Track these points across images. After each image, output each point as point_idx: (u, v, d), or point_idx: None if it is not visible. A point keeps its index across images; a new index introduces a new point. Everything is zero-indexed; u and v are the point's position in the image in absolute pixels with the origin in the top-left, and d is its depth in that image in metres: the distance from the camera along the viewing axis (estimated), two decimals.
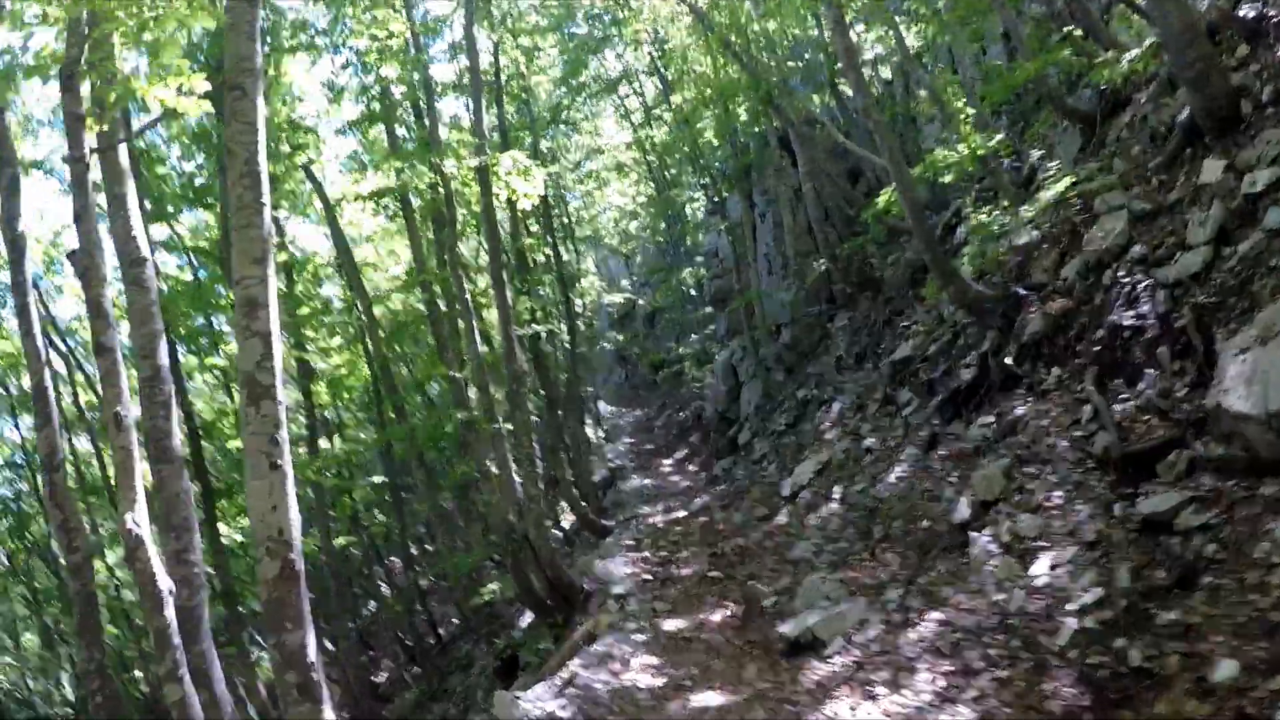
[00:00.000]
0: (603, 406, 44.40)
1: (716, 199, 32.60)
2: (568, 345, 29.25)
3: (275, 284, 7.58)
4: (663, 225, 43.07)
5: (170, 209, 20.31)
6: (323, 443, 24.72)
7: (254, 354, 7.37)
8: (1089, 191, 12.58)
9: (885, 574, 11.52)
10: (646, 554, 18.10)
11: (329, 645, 22.88)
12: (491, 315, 21.88)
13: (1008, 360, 12.46)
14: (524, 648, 17.44)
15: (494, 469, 17.53)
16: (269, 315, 7.40)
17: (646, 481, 30.30)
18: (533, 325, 23.66)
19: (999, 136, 15.16)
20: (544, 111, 32.34)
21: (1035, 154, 17.40)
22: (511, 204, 26.04)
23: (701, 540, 18.69)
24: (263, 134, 7.61)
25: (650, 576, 16.60)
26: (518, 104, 30.72)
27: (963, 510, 10.90)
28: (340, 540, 26.74)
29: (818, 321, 27.60)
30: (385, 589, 32.52)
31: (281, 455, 7.28)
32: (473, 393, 18.88)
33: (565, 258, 35.31)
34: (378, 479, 28.08)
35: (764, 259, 30.64)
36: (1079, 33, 14.67)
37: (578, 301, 39.80)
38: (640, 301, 48.50)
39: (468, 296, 17.87)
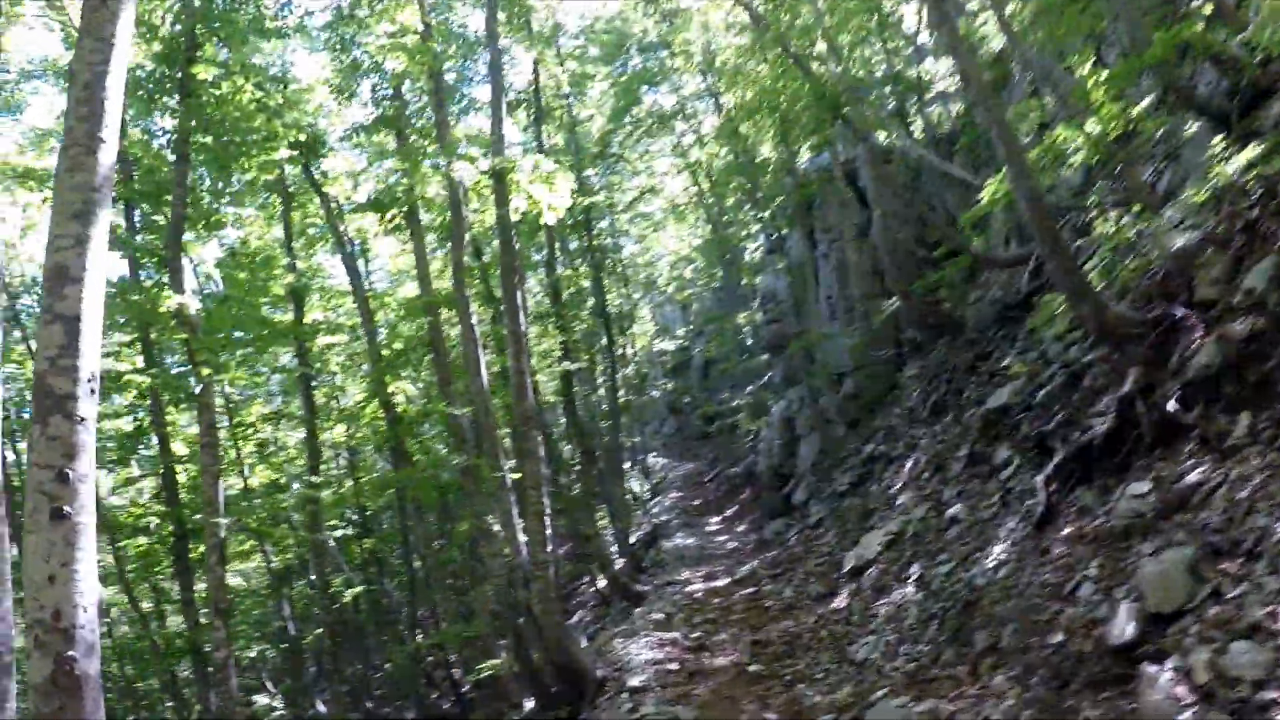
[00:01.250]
0: (651, 459, 40.65)
1: (775, 235, 28.96)
2: (609, 390, 25.59)
3: (103, 251, 5.31)
4: (718, 271, 39.43)
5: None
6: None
7: (51, 345, 4.98)
8: (1274, 174, 8.76)
9: (997, 711, 7.62)
10: (678, 634, 14.33)
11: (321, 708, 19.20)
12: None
13: (1170, 405, 8.57)
14: None
15: (496, 526, 13.92)
16: (84, 294, 5.14)
17: (690, 541, 26.48)
18: (564, 363, 20.09)
19: (1145, 102, 11.27)
20: (592, 145, 29.02)
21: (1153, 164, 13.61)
22: (548, 229, 22.79)
23: (744, 619, 14.91)
24: (122, 57, 5.59)
25: (677, 665, 12.81)
26: (564, 133, 27.48)
27: (1123, 624, 7.02)
28: (351, 590, 23.19)
29: (885, 369, 23.76)
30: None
31: (74, 498, 4.84)
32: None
33: (612, 299, 31.89)
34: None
35: (825, 302, 26.86)
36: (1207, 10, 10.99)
37: (628, 348, 36.33)
38: (695, 351, 44.82)
39: (473, 321, 14.35)
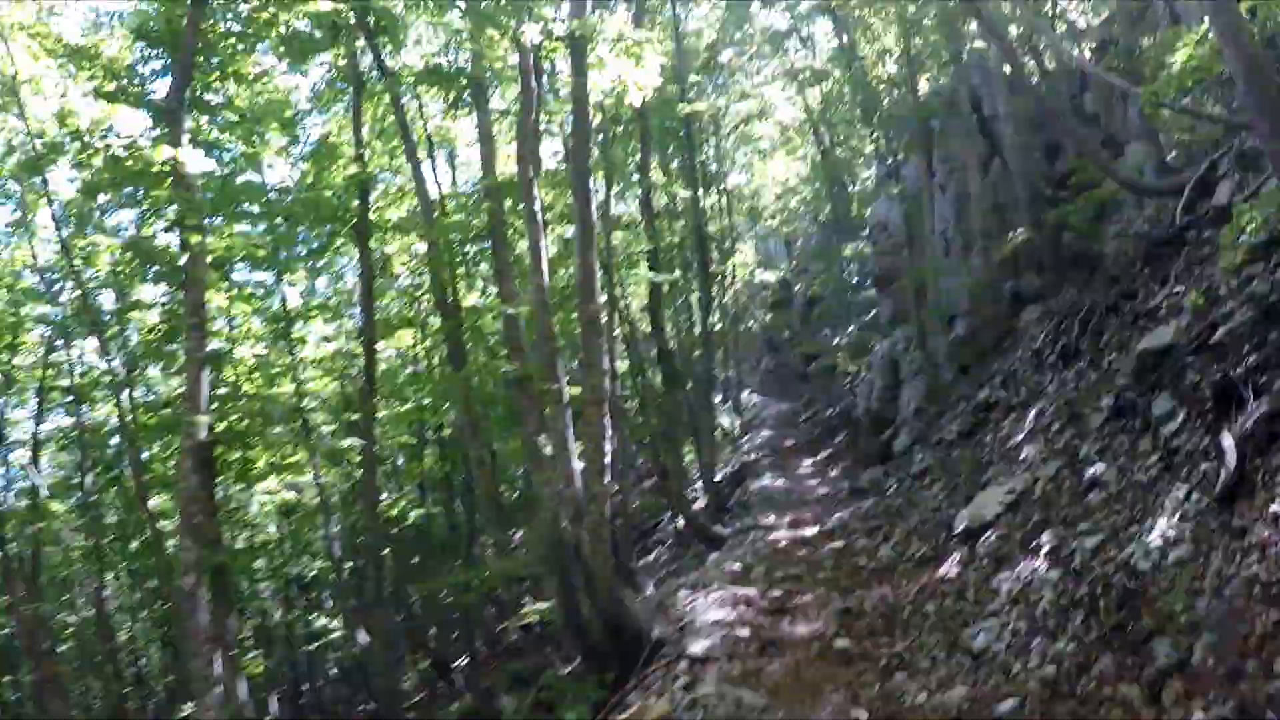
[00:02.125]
0: (745, 395, 38.19)
1: (890, 161, 26.01)
2: (703, 315, 23.12)
3: None
4: (826, 205, 36.44)
5: None
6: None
7: None
8: None
9: None
10: (753, 591, 12.00)
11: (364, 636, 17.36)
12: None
13: None
14: (561, 704, 11.48)
15: (548, 449, 11.70)
16: None
17: (779, 483, 24.07)
18: (649, 272, 17.66)
19: None
20: (700, 54, 26.27)
21: None
22: (642, 130, 20.27)
23: (832, 579, 12.52)
24: None
25: (749, 632, 10.49)
26: (668, 39, 24.81)
27: None
28: (414, 512, 21.33)
29: (1002, 312, 20.90)
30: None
31: None
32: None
33: (712, 221, 29.27)
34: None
35: (940, 237, 23.93)
36: None
37: (728, 276, 33.77)
38: (797, 288, 42.01)
39: (537, 205, 12.02)
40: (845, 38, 25.57)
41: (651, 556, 26.52)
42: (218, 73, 13.91)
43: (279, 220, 16.97)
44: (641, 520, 29.35)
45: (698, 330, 24.67)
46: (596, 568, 10.81)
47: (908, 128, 24.26)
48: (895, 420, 23.14)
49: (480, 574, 16.67)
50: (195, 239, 11.29)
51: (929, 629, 9.70)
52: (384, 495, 28.56)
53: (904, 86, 22.92)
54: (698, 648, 9.95)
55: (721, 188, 34.25)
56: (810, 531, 16.53)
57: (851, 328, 33.34)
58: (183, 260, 11.82)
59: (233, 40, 13.75)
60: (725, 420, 32.39)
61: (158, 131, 12.32)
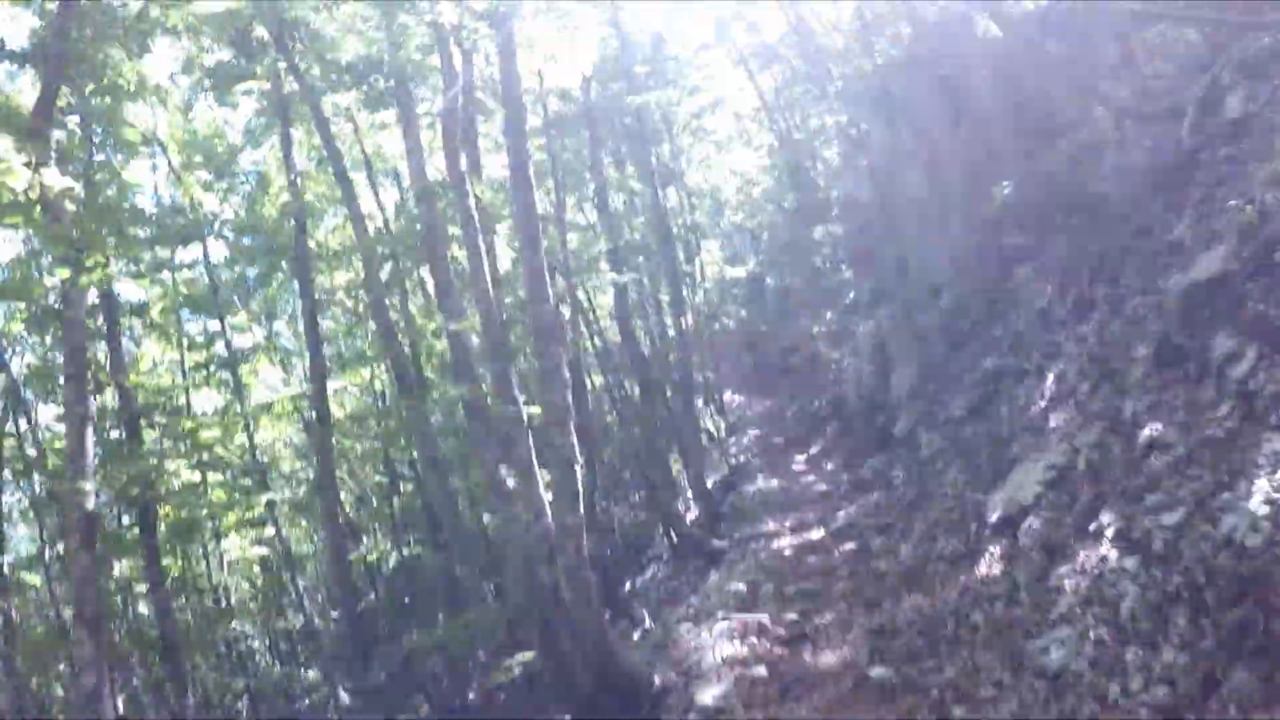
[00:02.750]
0: (727, 395, 36.36)
1: (855, 132, 24.31)
2: (675, 315, 21.26)
3: None
4: (790, 193, 34.63)
5: None
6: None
7: None
8: None
9: None
10: (764, 617, 10.12)
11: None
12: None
13: None
14: None
15: (510, 480, 9.84)
16: None
17: (774, 483, 22.24)
18: (607, 272, 15.84)
19: None
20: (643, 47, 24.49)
21: None
22: (592, 130, 18.44)
23: (852, 589, 10.69)
24: None
25: (765, 670, 8.62)
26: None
27: None
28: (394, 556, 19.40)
29: (993, 275, 19.19)
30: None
31: None
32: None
33: (671, 209, 27.45)
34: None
35: (915, 206, 22.20)
36: None
37: (696, 275, 31.96)
38: (769, 280, 40.19)
39: (472, 201, 10.19)
40: (793, 13, 23.87)
41: (648, 574, 24.61)
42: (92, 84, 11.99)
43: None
44: (635, 537, 27.47)
45: (671, 333, 22.81)
46: (579, 614, 8.94)
47: (867, 95, 22.53)
48: (889, 404, 21.35)
49: (457, 628, 14.65)
50: (64, 273, 9.37)
51: (982, 645, 7.88)
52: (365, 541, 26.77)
53: (858, 49, 21.12)
54: (708, 697, 8.12)
55: (681, 187, 32.49)
56: (817, 534, 14.71)
57: (829, 314, 31.55)
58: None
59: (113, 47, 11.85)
60: (709, 424, 30.53)
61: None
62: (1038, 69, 20.59)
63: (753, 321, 41.77)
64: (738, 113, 33.15)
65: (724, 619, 10.05)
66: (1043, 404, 12.00)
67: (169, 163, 20.49)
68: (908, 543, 11.70)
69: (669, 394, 23.86)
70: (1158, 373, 9.67)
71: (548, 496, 9.59)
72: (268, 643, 26.24)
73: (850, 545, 13.02)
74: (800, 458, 25.40)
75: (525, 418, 10.01)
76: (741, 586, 11.37)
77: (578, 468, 9.42)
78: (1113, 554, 7.59)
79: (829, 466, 23.24)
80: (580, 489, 9.36)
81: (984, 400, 14.34)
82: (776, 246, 39.52)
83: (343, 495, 26.74)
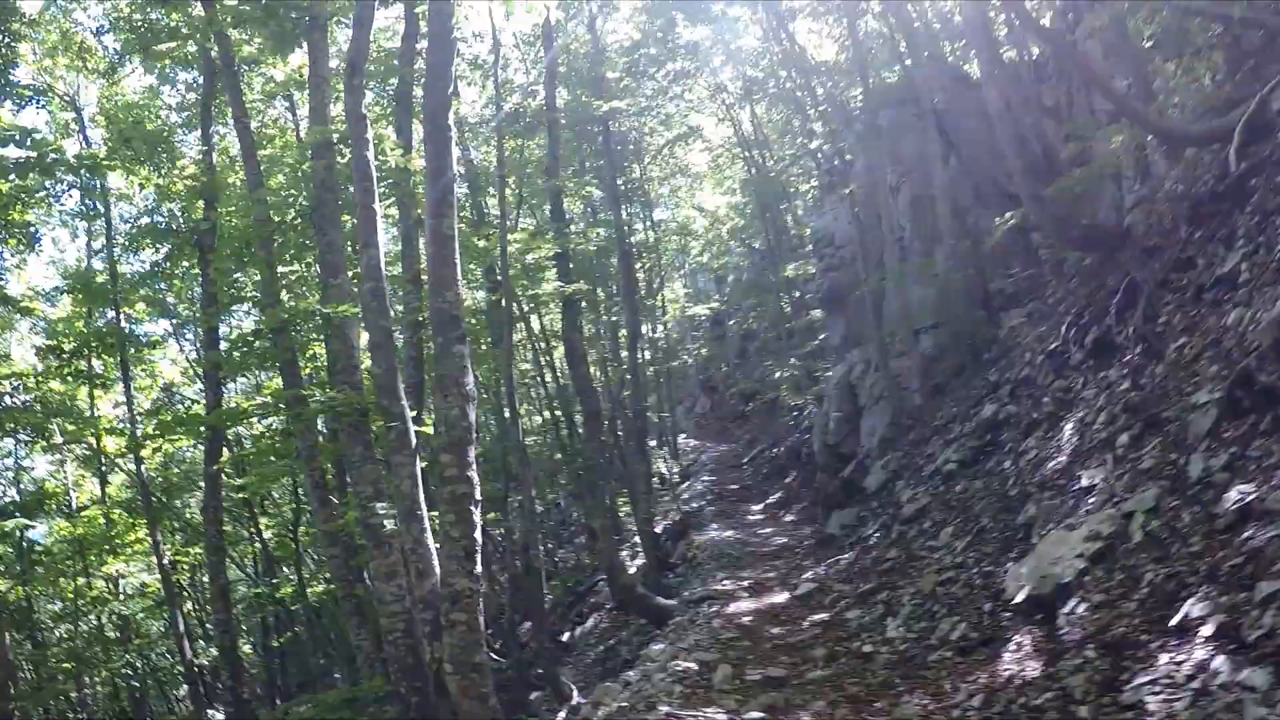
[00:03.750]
0: (682, 439, 33.93)
1: (836, 162, 22.19)
2: (630, 346, 18.77)
3: None
4: (756, 233, 32.40)
5: None
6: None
7: None
8: None
9: None
10: (721, 717, 7.54)
11: None
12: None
13: None
14: None
15: (388, 523, 7.28)
16: None
17: (728, 534, 19.76)
18: (555, 283, 13.39)
19: None
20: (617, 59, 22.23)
21: None
22: (551, 129, 15.98)
23: (833, 679, 8.17)
24: None
25: None
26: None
27: None
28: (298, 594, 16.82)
29: (980, 319, 17.05)
30: None
31: None
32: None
33: (637, 243, 25.17)
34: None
35: (897, 245, 20.06)
36: None
37: (657, 310, 29.61)
38: (732, 322, 37.97)
39: (370, 152, 7.74)
40: (780, 34, 21.75)
41: (590, 623, 21.99)
42: None
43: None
44: (578, 582, 24.86)
45: (625, 367, 20.34)
46: (468, 714, 6.35)
47: (852, 125, 20.43)
48: (857, 454, 19.04)
49: (331, 706, 11.77)
50: None
51: None
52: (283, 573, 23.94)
53: (849, 75, 19.01)
54: None
55: (648, 216, 30.24)
56: (780, 598, 12.23)
57: (793, 359, 29.29)
58: None
59: None
60: (663, 467, 28.03)
61: None
62: (1033, 112, 18.77)
63: (713, 364, 39.52)
64: (709, 146, 30.94)
65: (666, 709, 7.51)
66: (1062, 459, 9.67)
67: (83, 132, 18.07)
68: (895, 618, 9.25)
69: (620, 432, 21.40)
70: (1234, 421, 7.36)
71: (433, 547, 7.07)
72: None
73: (821, 615, 10.56)
74: (757, 507, 23.01)
75: (413, 439, 7.52)
76: (691, 665, 8.84)
77: (475, 512, 6.87)
78: (1219, 661, 5.20)
79: (788, 518, 20.84)
80: (479, 541, 6.78)
81: (980, 452, 12.02)
82: (741, 288, 37.37)
83: (265, 520, 23.99)
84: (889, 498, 14.28)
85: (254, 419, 14.37)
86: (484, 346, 17.75)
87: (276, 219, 11.47)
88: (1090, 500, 8.21)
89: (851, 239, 21.23)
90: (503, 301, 12.94)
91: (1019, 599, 7.52)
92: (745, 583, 13.85)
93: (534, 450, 27.36)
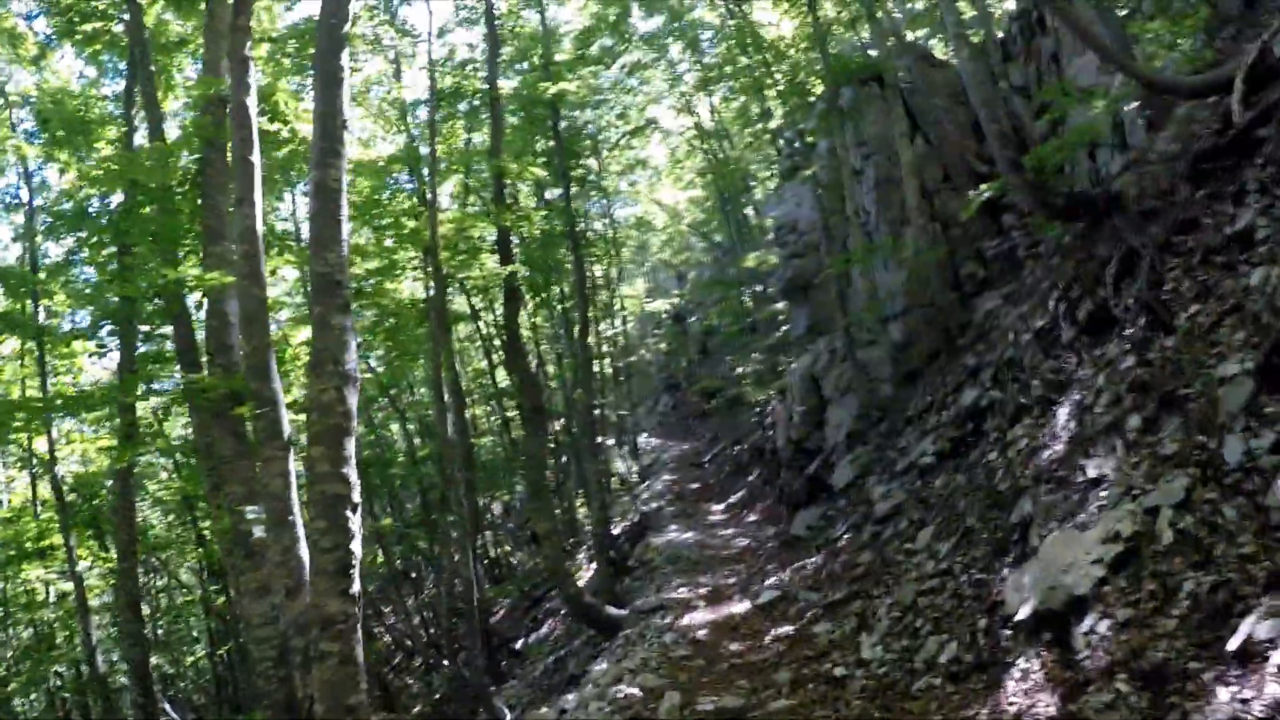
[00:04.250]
0: (643, 439, 32.47)
1: (796, 149, 20.84)
2: (581, 337, 17.25)
3: None
4: (716, 226, 30.99)
5: None
6: None
7: None
8: None
9: None
10: None
11: None
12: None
13: None
14: None
15: (258, 529, 5.76)
16: None
17: (687, 535, 18.36)
18: (491, 267, 11.91)
19: None
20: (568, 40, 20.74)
21: None
22: (494, 106, 14.39)
23: (801, 710, 6.73)
24: None
25: None
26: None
27: None
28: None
29: (952, 304, 15.75)
30: None
31: None
32: None
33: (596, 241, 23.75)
34: None
35: (863, 231, 18.71)
36: None
37: (615, 304, 28.15)
38: (692, 319, 36.51)
39: (249, 100, 6.29)
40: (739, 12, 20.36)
41: (544, 629, 20.47)
42: None
43: None
44: (534, 585, 23.32)
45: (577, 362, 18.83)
46: None
47: (823, 100, 19.06)
48: (823, 449, 17.67)
49: None
50: None
51: None
52: None
53: (814, 50, 17.64)
54: None
55: (609, 215, 28.79)
56: (740, 607, 10.81)
57: (755, 354, 27.89)
58: None
59: None
60: (621, 466, 26.55)
61: None
62: (1003, 97, 17.64)
63: (674, 361, 38.12)
64: (667, 138, 29.55)
65: None
66: (1059, 447, 8.32)
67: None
68: (871, 634, 7.85)
69: (574, 430, 19.94)
70: (1274, 396, 6.03)
71: (304, 557, 5.59)
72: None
73: (786, 629, 9.14)
74: (718, 507, 21.60)
75: (286, 429, 6.05)
76: (635, 691, 7.42)
77: (354, 519, 5.36)
78: None
79: (750, 518, 19.44)
80: (357, 554, 5.25)
81: (961, 443, 10.66)
82: (702, 284, 35.99)
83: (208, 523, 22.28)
84: (859, 495, 12.91)
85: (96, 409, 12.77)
86: (425, 347, 16.28)
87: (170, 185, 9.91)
88: (1101, 494, 6.85)
89: (814, 224, 19.91)
90: (431, 286, 11.46)
91: (1023, 614, 6.13)
92: (703, 590, 12.43)
93: (488, 452, 25.84)
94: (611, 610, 12.44)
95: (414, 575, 26.22)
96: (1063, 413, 8.83)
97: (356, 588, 5.18)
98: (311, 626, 5.10)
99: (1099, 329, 9.60)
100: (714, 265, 36.34)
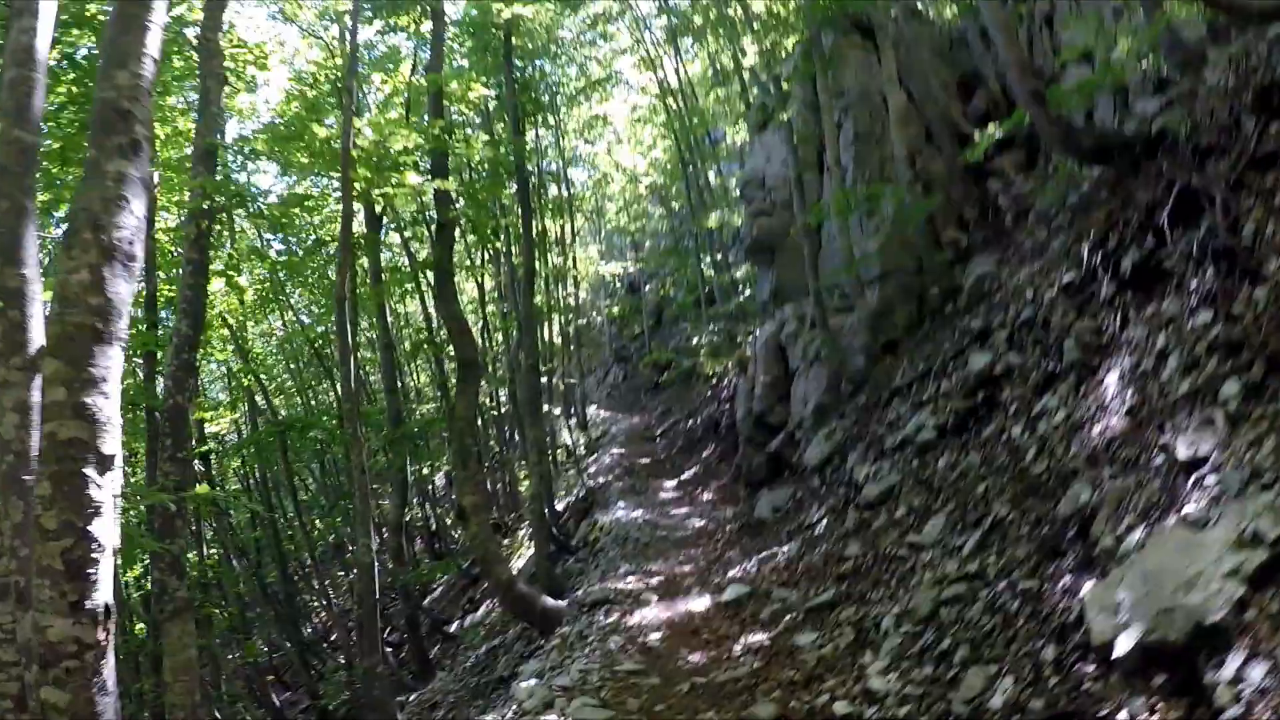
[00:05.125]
0: (592, 410, 30.43)
1: (769, 99, 18.86)
2: (526, 289, 15.12)
3: None
4: (680, 192, 28.86)
5: None
6: None
7: None
8: None
9: None
10: None
11: None
12: None
13: None
14: None
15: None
16: None
17: (637, 514, 16.41)
18: (415, 180, 9.77)
19: None
20: None
21: None
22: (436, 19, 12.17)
23: None
24: None
25: None
26: None
27: None
28: None
29: (939, 267, 13.95)
30: None
31: None
32: None
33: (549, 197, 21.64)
34: None
35: (840, 189, 16.78)
36: None
37: (568, 264, 26.04)
38: (647, 288, 34.42)
39: None
40: None
41: (480, 612, 18.46)
42: None
43: None
44: (470, 564, 21.27)
45: (519, 309, 16.70)
46: None
47: (802, 43, 17.08)
48: (787, 424, 15.81)
49: None
50: None
51: None
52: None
53: None
54: None
55: (565, 178, 26.63)
56: (699, 604, 8.86)
57: (712, 325, 25.93)
58: None
59: None
60: (568, 438, 24.52)
61: None
62: (992, 53, 15.93)
63: (626, 331, 36.10)
64: (629, 89, 27.45)
65: None
66: (1116, 421, 6.45)
67: None
68: (877, 654, 5.93)
69: (518, 395, 17.88)
70: None
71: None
72: None
73: (760, 637, 7.21)
74: (670, 484, 19.68)
75: (33, 336, 4.00)
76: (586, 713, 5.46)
77: (101, 481, 3.28)
78: None
79: (705, 496, 17.55)
80: (103, 546, 3.21)
81: (969, 417, 8.75)
82: (659, 253, 33.94)
83: None
84: (836, 476, 11.01)
85: None
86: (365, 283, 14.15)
87: None
88: (1206, 480, 4.97)
89: (784, 181, 17.96)
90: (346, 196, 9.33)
91: (1123, 647, 4.22)
92: (655, 580, 10.47)
93: (426, 415, 23.61)
94: (548, 602, 10.44)
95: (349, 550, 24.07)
96: (1112, 379, 6.97)
97: (103, 598, 3.16)
98: (34, 655, 3.09)
99: (1146, 283, 7.74)
100: (671, 235, 34.34)
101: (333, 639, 23.46)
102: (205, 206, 8.11)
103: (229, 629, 18.23)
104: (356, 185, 9.44)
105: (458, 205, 11.53)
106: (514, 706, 6.50)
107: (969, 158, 11.13)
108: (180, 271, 8.89)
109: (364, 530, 9.46)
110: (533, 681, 6.87)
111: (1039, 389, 7.83)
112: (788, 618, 7.47)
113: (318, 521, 23.01)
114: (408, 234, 16.82)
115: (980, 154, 10.98)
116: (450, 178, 11.69)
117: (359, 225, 12.38)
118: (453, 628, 19.44)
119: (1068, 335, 7.93)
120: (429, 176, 10.78)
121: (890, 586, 6.91)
